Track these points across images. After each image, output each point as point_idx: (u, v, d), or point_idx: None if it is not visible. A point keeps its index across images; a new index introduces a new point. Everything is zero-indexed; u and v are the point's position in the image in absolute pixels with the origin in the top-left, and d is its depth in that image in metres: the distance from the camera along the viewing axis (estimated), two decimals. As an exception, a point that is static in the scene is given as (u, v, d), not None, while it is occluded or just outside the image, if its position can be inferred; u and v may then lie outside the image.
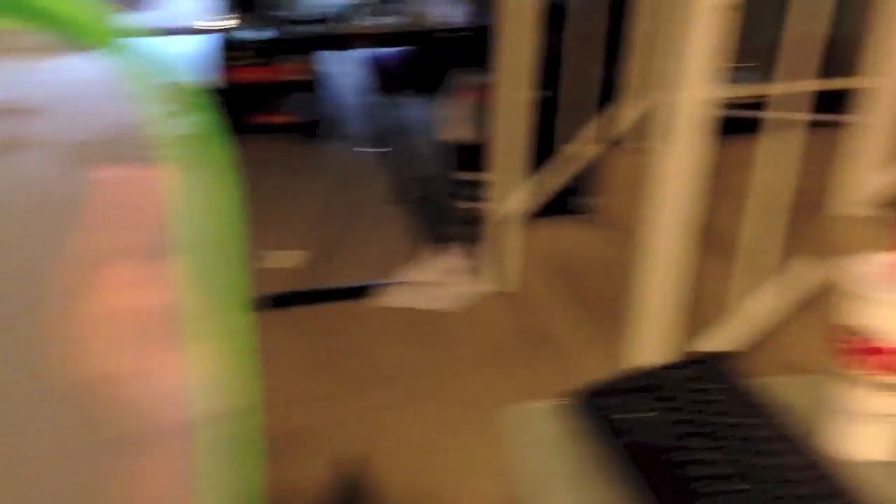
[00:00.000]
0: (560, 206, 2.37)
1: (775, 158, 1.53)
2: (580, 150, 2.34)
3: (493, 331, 2.17)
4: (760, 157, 1.51)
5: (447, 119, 2.63)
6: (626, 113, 2.24)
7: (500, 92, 2.24)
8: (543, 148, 2.35)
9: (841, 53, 1.59)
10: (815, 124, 1.66)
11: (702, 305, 1.63)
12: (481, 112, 2.33)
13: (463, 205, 2.44)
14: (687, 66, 1.39)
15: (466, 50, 2.65)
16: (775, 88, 1.50)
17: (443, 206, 2.60)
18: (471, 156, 2.38)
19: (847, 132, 1.53)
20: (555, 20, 2.25)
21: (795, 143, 1.52)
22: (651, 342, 1.53)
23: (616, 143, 2.27)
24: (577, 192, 2.38)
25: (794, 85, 1.50)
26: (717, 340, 1.59)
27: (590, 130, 2.35)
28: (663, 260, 1.49)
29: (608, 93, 2.30)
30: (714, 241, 1.66)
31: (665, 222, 1.46)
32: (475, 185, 2.36)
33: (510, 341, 2.11)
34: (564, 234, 2.33)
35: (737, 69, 2.26)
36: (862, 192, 1.52)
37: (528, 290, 2.25)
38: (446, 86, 2.68)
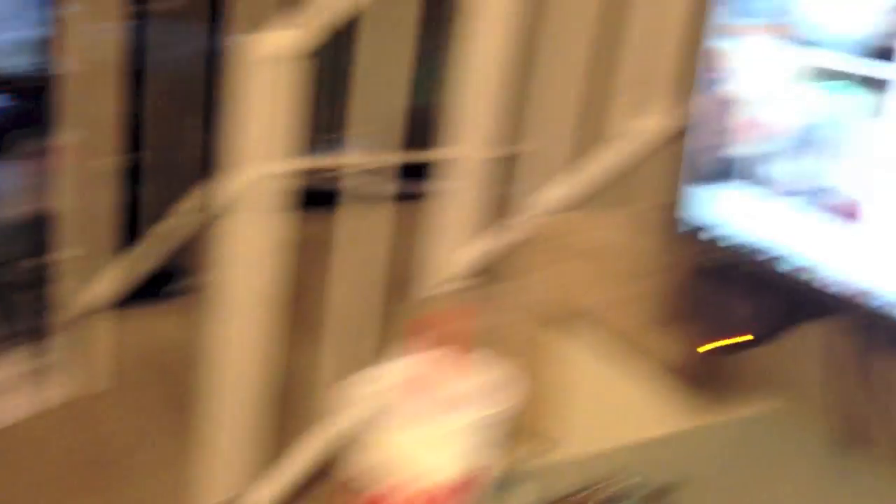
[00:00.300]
0: (157, 288, 2.05)
1: (364, 233, 1.40)
2: (179, 224, 2.07)
3: (56, 453, 1.74)
4: (345, 233, 1.37)
5: (9, 190, 2.19)
6: (229, 183, 2.02)
7: (75, 157, 1.90)
8: (136, 223, 2.03)
9: (430, 123, 1.54)
10: (411, 196, 1.58)
11: (298, 410, 1.42)
12: (53, 181, 1.94)
13: (31, 294, 2.00)
14: (250, 133, 1.21)
15: (33, 106, 2.23)
16: (355, 159, 1.38)
17: (4, 296, 2.12)
18: (41, 234, 1.96)
19: (433, 205, 1.46)
20: (144, 79, 1.99)
21: (383, 216, 1.40)
22: (228, 462, 1.28)
23: (218, 217, 2.03)
24: (176, 273, 2.08)
25: (374, 156, 1.39)
26: (297, 459, 1.36)
27: (190, 202, 2.09)
28: (238, 355, 1.26)
29: (210, 161, 2.07)
30: (313, 331, 1.47)
31: (237, 311, 1.24)
32: (47, 268, 1.94)
33: (73, 467, 1.68)
34: (161, 321, 2.00)
35: (341, 138, 2.18)
36: (450, 268, 1.45)
37: (112, 394, 1.87)
38: (7, 150, 2.24)
